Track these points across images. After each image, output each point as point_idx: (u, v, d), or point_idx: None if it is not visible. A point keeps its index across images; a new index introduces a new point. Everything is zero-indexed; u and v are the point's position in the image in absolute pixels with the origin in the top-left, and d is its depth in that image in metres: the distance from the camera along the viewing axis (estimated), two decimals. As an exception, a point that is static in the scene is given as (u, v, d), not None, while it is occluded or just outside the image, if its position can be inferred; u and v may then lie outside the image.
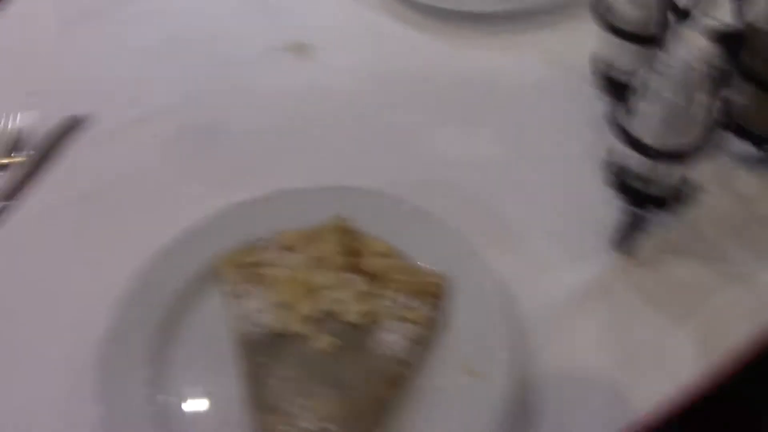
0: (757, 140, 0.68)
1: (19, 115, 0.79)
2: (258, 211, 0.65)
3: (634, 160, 0.58)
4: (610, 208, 0.63)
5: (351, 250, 0.61)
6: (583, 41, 0.73)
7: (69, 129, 0.78)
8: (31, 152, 0.76)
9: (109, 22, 0.94)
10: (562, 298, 0.61)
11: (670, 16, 0.64)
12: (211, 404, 0.56)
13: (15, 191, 0.73)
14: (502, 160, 0.72)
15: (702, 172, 0.59)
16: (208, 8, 0.95)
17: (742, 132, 0.67)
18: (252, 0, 0.95)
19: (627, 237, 0.63)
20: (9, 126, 0.78)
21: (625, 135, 0.57)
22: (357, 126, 0.77)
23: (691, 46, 0.52)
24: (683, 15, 0.61)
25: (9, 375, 0.60)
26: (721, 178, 0.68)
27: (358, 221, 0.63)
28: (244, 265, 0.61)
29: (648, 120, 0.55)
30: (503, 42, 0.85)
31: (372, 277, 0.59)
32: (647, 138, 0.56)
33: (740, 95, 0.65)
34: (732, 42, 0.59)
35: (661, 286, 0.61)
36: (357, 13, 0.91)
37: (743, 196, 0.68)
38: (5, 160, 0.75)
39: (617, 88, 0.69)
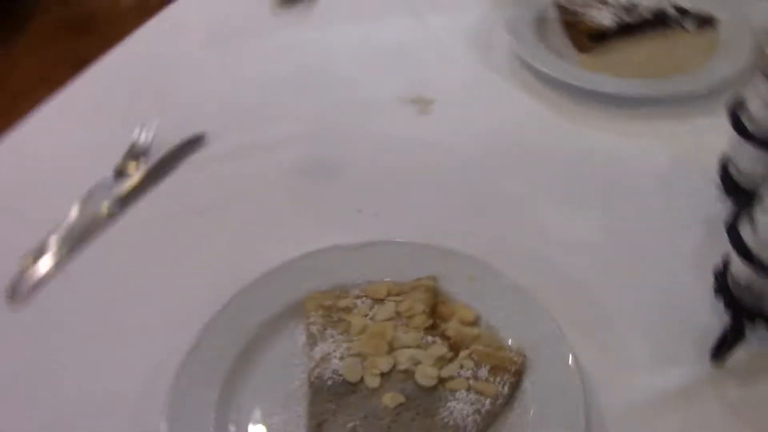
0: None
1: (154, 124, 0.84)
2: (355, 257, 0.66)
3: (748, 273, 0.55)
4: (709, 316, 0.61)
5: (438, 312, 0.61)
6: (713, 138, 0.71)
7: (191, 145, 0.82)
8: (152, 163, 0.80)
9: (250, 48, 0.99)
10: (643, 398, 0.58)
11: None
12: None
13: (129, 198, 0.76)
14: (607, 247, 0.70)
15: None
16: (346, 52, 0.98)
17: None
18: (388, 50, 0.98)
19: (724, 348, 0.59)
20: (143, 134, 0.82)
21: (742, 246, 0.54)
22: (465, 188, 0.77)
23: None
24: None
25: (88, 372, 0.62)
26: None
27: (451, 283, 0.63)
28: (331, 308, 0.61)
29: (769, 235, 0.53)
30: (629, 127, 0.83)
31: (453, 343, 0.59)
32: (766, 253, 0.53)
33: None
34: None
35: (749, 403, 0.58)
36: (486, 78, 0.92)
37: None
38: (130, 167, 0.80)
39: (742, 195, 0.66)
